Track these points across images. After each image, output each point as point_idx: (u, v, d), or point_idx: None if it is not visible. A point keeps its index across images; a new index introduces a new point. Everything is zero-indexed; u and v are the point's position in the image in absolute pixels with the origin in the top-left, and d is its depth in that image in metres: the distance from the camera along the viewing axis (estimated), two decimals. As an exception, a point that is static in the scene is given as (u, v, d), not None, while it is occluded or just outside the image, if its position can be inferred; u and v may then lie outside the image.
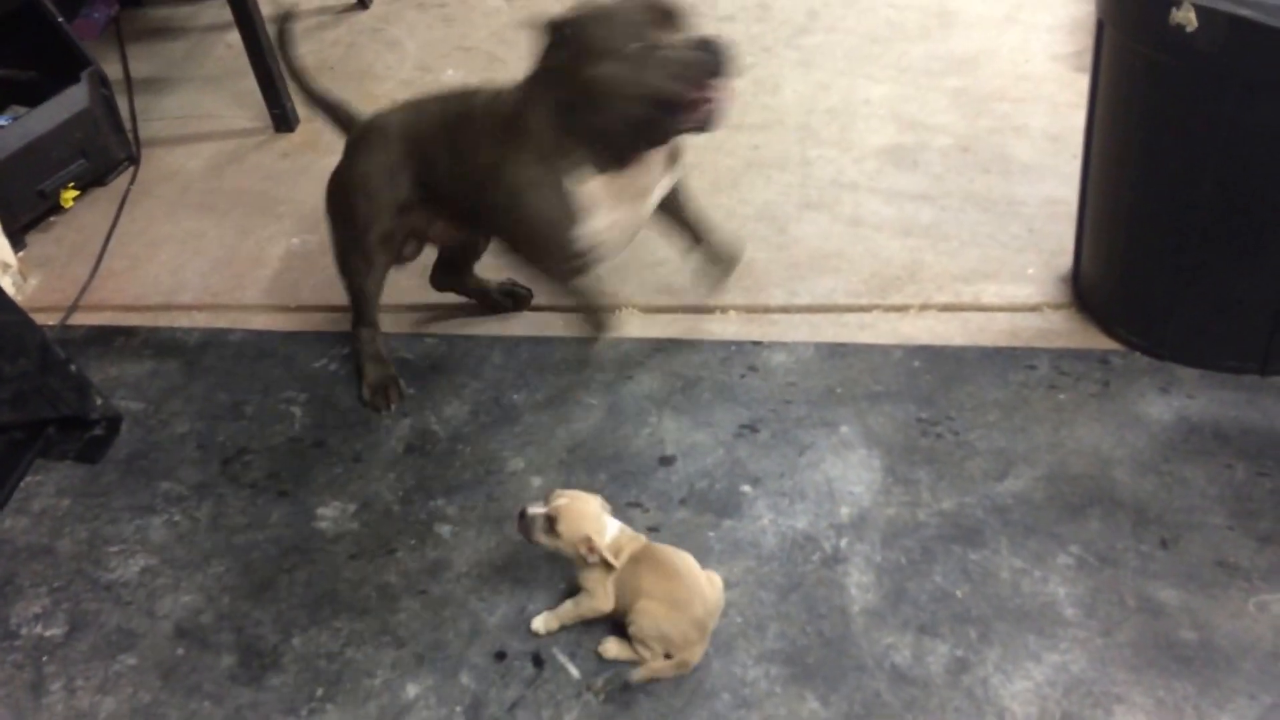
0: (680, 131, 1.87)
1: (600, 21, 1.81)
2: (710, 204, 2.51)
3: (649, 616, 1.64)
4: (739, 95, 2.76)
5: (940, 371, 2.10)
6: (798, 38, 3.02)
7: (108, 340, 2.34)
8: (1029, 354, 2.11)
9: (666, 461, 1.98)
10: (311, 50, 3.22)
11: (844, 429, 2.01)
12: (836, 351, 2.16)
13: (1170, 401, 1.99)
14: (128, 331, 2.36)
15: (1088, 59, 2.08)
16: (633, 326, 2.25)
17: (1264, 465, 1.87)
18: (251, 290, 2.45)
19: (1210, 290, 1.99)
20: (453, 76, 3.05)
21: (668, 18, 1.82)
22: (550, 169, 1.89)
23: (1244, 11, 1.64)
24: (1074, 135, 2.30)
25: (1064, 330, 2.16)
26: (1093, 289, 2.18)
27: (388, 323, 2.33)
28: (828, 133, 2.69)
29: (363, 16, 3.36)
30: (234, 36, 2.90)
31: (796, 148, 2.66)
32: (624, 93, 1.81)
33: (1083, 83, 2.12)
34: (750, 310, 2.27)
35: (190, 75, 3.19)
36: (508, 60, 3.11)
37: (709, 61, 1.78)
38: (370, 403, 2.14)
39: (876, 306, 2.24)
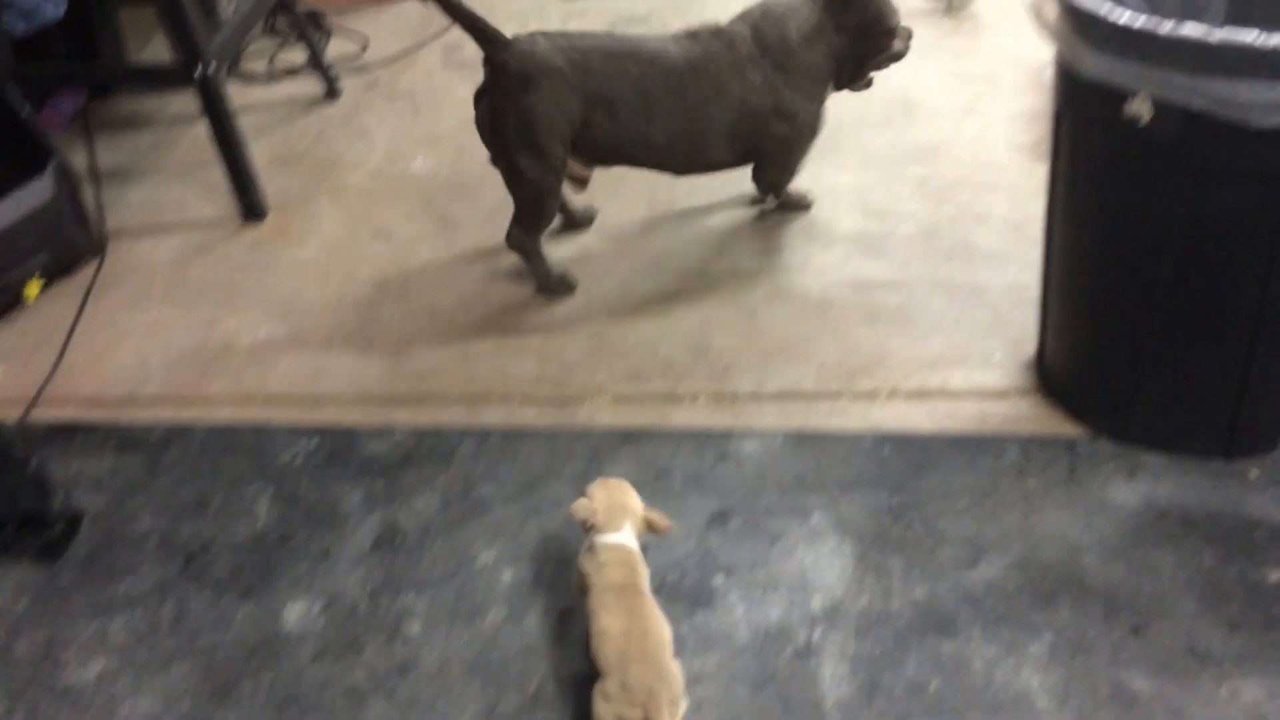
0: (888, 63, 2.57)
1: None
2: (678, 293, 2.54)
3: (606, 637, 1.64)
4: (707, 185, 2.80)
5: (910, 458, 2.10)
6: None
7: (69, 435, 2.31)
8: (997, 440, 2.12)
9: (638, 553, 1.96)
10: (280, 141, 3.24)
11: (816, 517, 2.00)
12: (807, 439, 2.16)
13: (1137, 487, 2.00)
14: (89, 426, 2.33)
15: (1046, 148, 2.12)
16: (603, 415, 2.25)
17: (1230, 551, 1.88)
18: (218, 382, 2.43)
19: (1172, 376, 2.02)
20: (422, 164, 3.08)
21: None
22: (821, 90, 2.51)
23: (1197, 104, 1.68)
24: (1034, 223, 2.34)
25: (1030, 416, 2.17)
26: (1057, 375, 2.20)
27: (355, 413, 2.32)
28: (794, 221, 2.72)
29: (332, 107, 3.39)
30: (202, 127, 2.91)
31: (762, 238, 2.69)
32: (892, 23, 2.47)
33: (1042, 171, 2.16)
34: (720, 398, 2.27)
35: (158, 166, 3.19)
36: (477, 150, 3.13)
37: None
38: (555, 290, 2.55)
39: (845, 393, 2.25)
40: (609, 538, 1.76)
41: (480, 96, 2.42)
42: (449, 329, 2.52)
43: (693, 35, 2.43)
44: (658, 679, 1.61)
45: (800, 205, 2.73)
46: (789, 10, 2.42)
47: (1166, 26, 1.68)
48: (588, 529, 1.79)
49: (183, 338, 2.56)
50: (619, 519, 1.77)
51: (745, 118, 2.42)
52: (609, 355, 2.40)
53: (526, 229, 2.50)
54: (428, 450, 2.21)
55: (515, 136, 2.37)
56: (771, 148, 2.51)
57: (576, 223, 2.77)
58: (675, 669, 1.66)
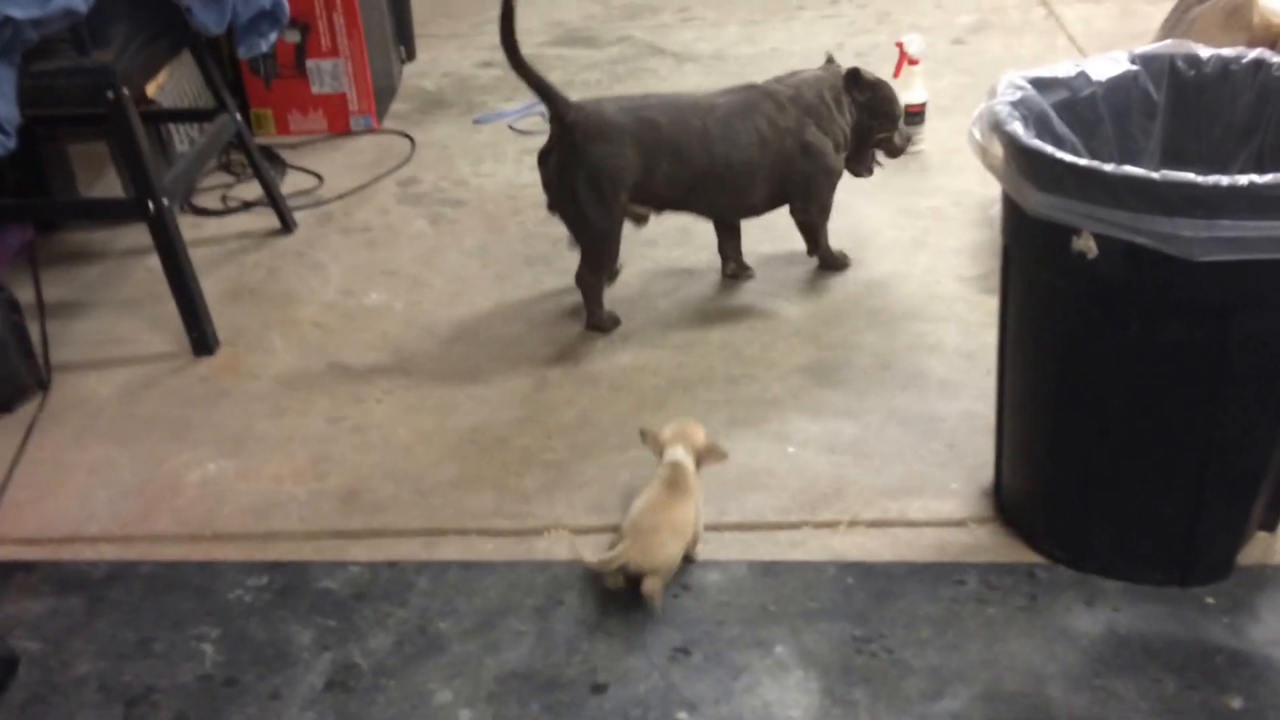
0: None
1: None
2: (637, 423, 2.53)
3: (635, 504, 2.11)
4: (665, 317, 2.84)
5: (872, 588, 2.09)
6: (719, 261, 3.12)
7: (6, 576, 2.23)
8: (957, 569, 2.12)
9: (599, 690, 1.91)
10: (232, 275, 3.24)
11: (779, 649, 1.97)
12: (769, 569, 2.14)
13: (1097, 615, 2.01)
14: (28, 566, 2.25)
15: (994, 281, 2.17)
16: (563, 548, 2.22)
17: (1191, 678, 1.88)
18: (164, 520, 2.37)
19: (1126, 505, 2.04)
20: (377, 298, 3.08)
21: None
22: (839, 142, 2.89)
23: (1140, 239, 1.73)
24: (986, 352, 2.39)
25: (990, 544, 2.17)
26: (1015, 503, 2.22)
27: (307, 549, 2.27)
28: (751, 351, 2.75)
29: (286, 240, 3.40)
30: (153, 260, 2.91)
31: (721, 366, 2.71)
32: (896, 111, 2.95)
33: (991, 303, 2.21)
34: (680, 529, 2.25)
35: (106, 299, 3.17)
36: (432, 283, 3.15)
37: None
38: (605, 327, 2.85)
39: (806, 523, 2.25)
40: (668, 455, 2.18)
41: (546, 156, 2.76)
42: (405, 462, 2.49)
43: (736, 90, 2.86)
44: (644, 540, 2.04)
45: (840, 265, 3.04)
46: (819, 78, 2.88)
47: (1109, 166, 1.75)
48: (655, 451, 2.22)
49: (128, 474, 2.50)
50: (676, 443, 2.20)
51: (780, 159, 2.80)
52: (568, 487, 2.38)
53: (592, 270, 2.83)
54: (383, 586, 2.16)
55: (584, 188, 2.69)
56: (799, 184, 2.87)
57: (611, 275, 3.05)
58: (670, 551, 2.05)
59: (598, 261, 2.82)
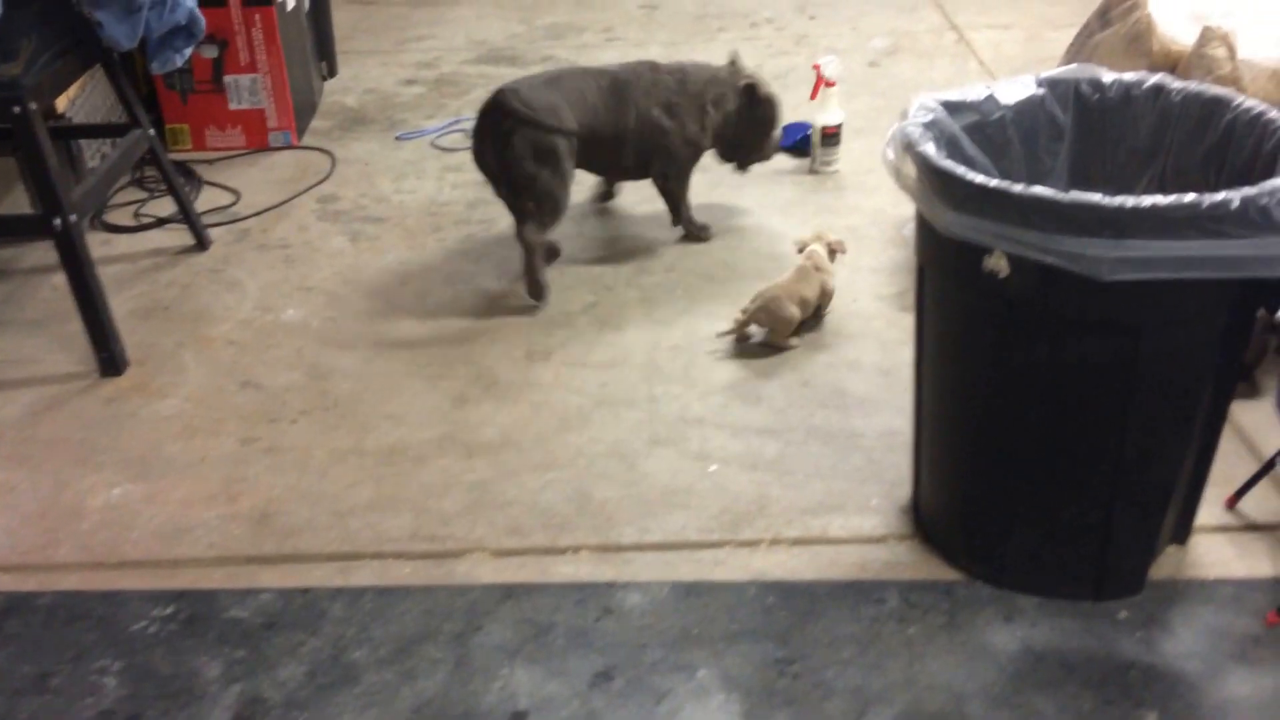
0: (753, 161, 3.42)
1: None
2: (560, 443, 2.52)
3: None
4: (584, 335, 2.83)
5: (794, 608, 2.08)
6: (638, 277, 3.12)
7: (-101, 607, 2.14)
8: (878, 586, 2.13)
9: (519, 718, 1.88)
10: (144, 293, 3.16)
11: (701, 673, 1.96)
12: (691, 590, 2.13)
13: (1015, 631, 2.02)
14: (-79, 597, 2.16)
15: (910, 299, 2.19)
16: (482, 571, 2.18)
17: (1108, 693, 1.90)
18: (66, 547, 2.29)
19: (1040, 520, 2.06)
20: (294, 315, 3.02)
21: None
22: (702, 134, 3.20)
23: (1049, 259, 1.76)
24: (904, 369, 2.41)
25: (909, 561, 2.18)
26: (933, 519, 2.23)
27: (216, 576, 2.20)
28: (672, 369, 2.75)
29: (202, 257, 3.32)
30: (61, 278, 2.82)
31: (643, 385, 2.70)
32: (773, 126, 3.30)
33: (908, 321, 2.23)
34: (603, 549, 2.23)
35: (11, 318, 3.07)
36: (351, 300, 3.10)
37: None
38: (538, 291, 3.00)
39: (728, 542, 2.24)
40: (808, 249, 2.88)
41: (488, 144, 3.00)
42: (321, 484, 2.43)
43: (631, 63, 3.18)
44: (768, 303, 2.76)
45: (700, 235, 3.28)
46: (715, 75, 3.19)
47: (1019, 187, 1.77)
48: (800, 249, 2.91)
49: (29, 500, 2.42)
50: (814, 242, 2.90)
51: (647, 126, 3.09)
52: (488, 508, 2.35)
53: (544, 227, 3.01)
54: (295, 613, 2.11)
55: (535, 159, 2.93)
56: (661, 152, 3.14)
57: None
58: (789, 312, 2.76)
59: (551, 220, 3.03)
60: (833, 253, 2.93)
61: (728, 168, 3.55)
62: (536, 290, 3.01)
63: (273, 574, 2.21)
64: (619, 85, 3.07)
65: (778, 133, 3.34)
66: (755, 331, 2.81)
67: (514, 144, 2.93)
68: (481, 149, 3.02)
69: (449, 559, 2.23)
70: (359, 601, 2.13)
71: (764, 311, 2.75)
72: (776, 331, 2.76)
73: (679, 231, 3.31)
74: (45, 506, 2.40)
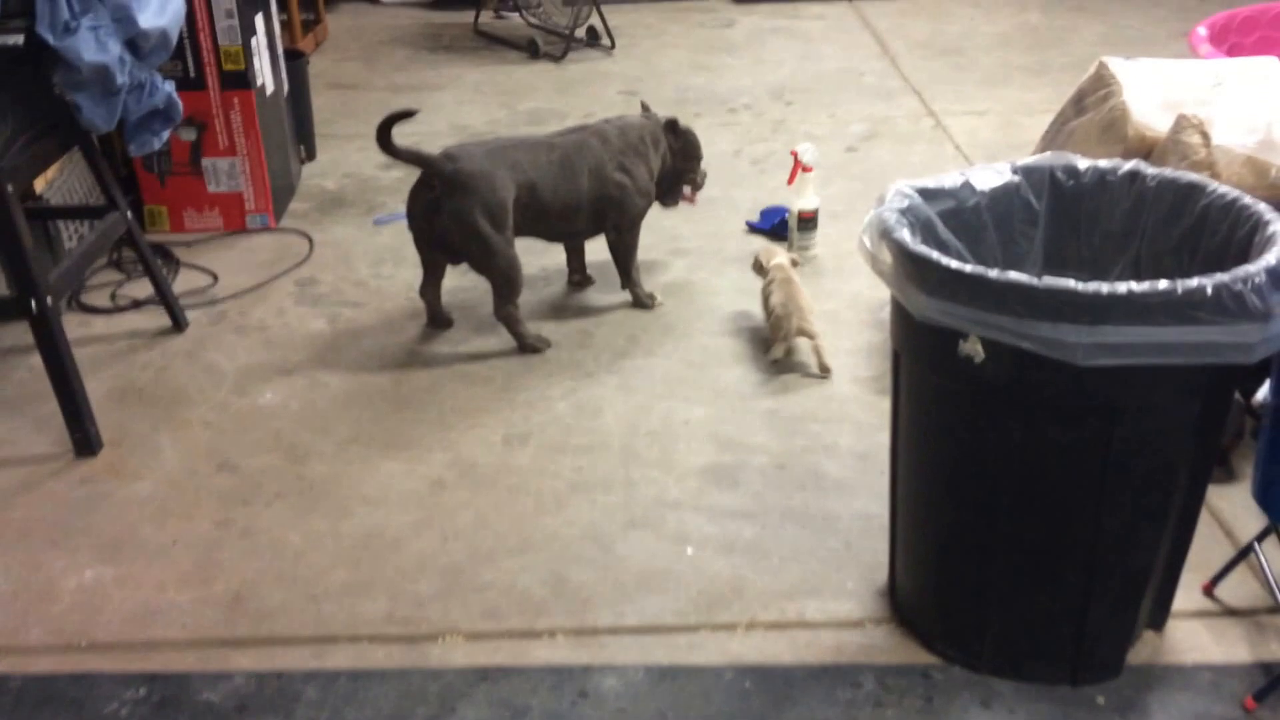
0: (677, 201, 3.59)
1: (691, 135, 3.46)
2: (535, 526, 2.51)
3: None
4: (562, 419, 2.83)
5: (771, 692, 2.07)
6: (618, 362, 3.13)
7: None
8: (854, 670, 2.12)
9: (494, 805, 1.85)
10: (120, 374, 3.15)
11: (679, 759, 1.94)
12: (667, 674, 2.11)
13: (993, 716, 2.02)
14: (-115, 683, 2.12)
15: (886, 383, 2.22)
16: (457, 655, 2.16)
17: (1090, 779, 1.89)
18: (37, 630, 2.25)
19: (1016, 605, 2.06)
20: (272, 398, 3.02)
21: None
22: (649, 181, 3.35)
23: (1025, 344, 1.78)
24: (880, 453, 2.42)
25: (886, 646, 2.18)
26: (909, 603, 2.23)
27: (189, 659, 2.17)
28: (650, 454, 2.75)
29: (178, 340, 3.32)
30: (36, 359, 2.81)
31: (620, 469, 2.70)
32: (701, 154, 3.50)
33: (885, 404, 2.25)
34: (579, 633, 2.22)
35: (-15, 398, 3.05)
36: (329, 383, 3.10)
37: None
38: (536, 348, 3.17)
39: (705, 626, 2.23)
40: (774, 262, 3.21)
41: (420, 204, 3.07)
42: (295, 567, 2.41)
43: (572, 130, 3.32)
44: (803, 312, 3.05)
45: (645, 303, 3.39)
46: (641, 124, 3.36)
47: (994, 272, 1.80)
48: (764, 265, 3.25)
49: (0, 582, 2.38)
50: (776, 255, 3.24)
51: (602, 185, 3.21)
52: (464, 591, 2.33)
53: (508, 299, 3.12)
54: (268, 697, 2.08)
55: (487, 227, 3.00)
56: (615, 207, 3.25)
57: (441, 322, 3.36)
58: (807, 305, 3.09)
59: (511, 289, 3.11)
60: (794, 264, 3.23)
61: (710, 252, 3.60)
62: (532, 348, 3.16)
63: (246, 657, 2.18)
64: (568, 158, 3.17)
65: (704, 163, 3.54)
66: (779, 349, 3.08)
67: (445, 210, 3.01)
68: (413, 210, 3.11)
69: (424, 642, 2.20)
70: (333, 685, 2.10)
71: (803, 319, 3.04)
72: (816, 335, 3.06)
73: (660, 315, 3.33)
74: (17, 588, 2.36)
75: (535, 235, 3.27)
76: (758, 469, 2.69)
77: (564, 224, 3.25)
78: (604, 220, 3.29)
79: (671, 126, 3.39)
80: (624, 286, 3.40)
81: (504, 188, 3.03)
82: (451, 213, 3.00)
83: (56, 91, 2.80)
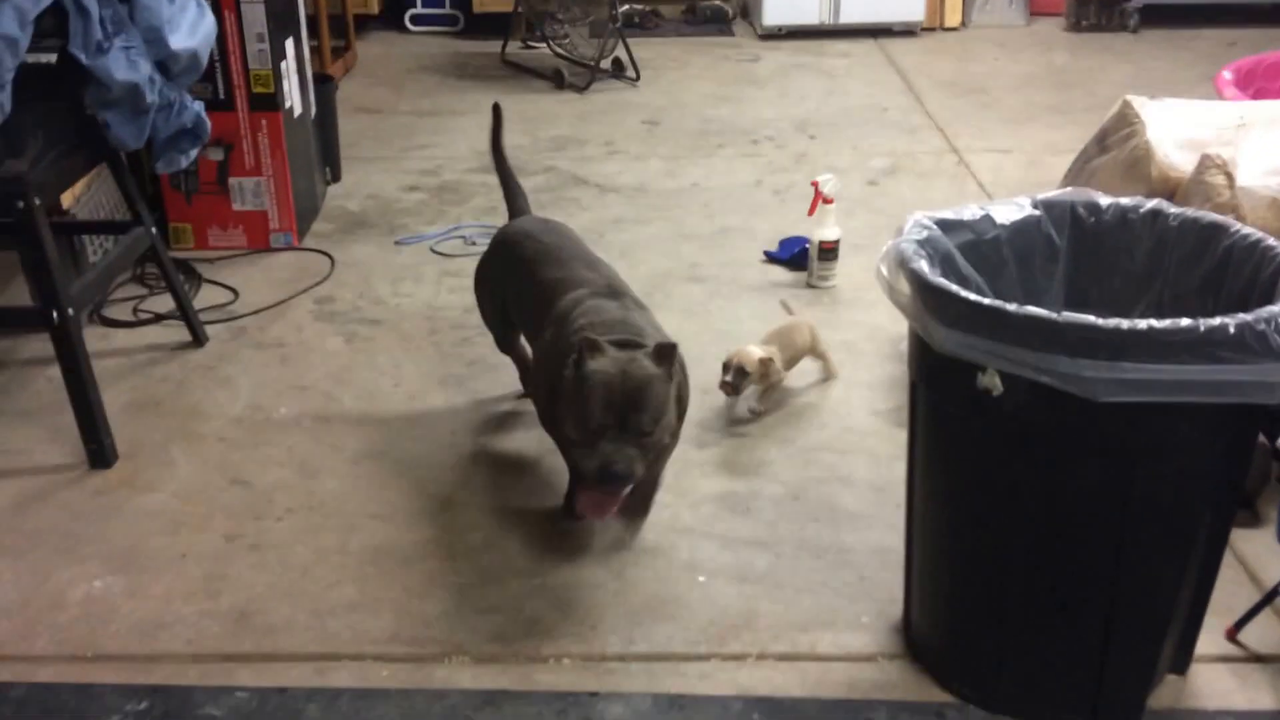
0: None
1: (606, 382, 2.20)
2: (546, 549, 2.49)
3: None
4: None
5: (780, 726, 2.04)
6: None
7: None
8: (866, 706, 2.08)
9: (494, 831, 1.83)
10: (138, 387, 3.16)
11: (684, 790, 1.91)
12: (675, 703, 2.08)
13: (1008, 756, 1.98)
14: (-111, 688, 2.11)
15: (904, 415, 2.19)
16: (462, 677, 2.14)
17: (1105, 823, 1.85)
18: (43, 639, 2.24)
19: (1034, 645, 2.03)
20: (286, 413, 3.01)
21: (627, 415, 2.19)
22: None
23: (1044, 379, 1.76)
24: (896, 486, 2.39)
25: (899, 682, 2.14)
26: (924, 639, 2.20)
27: (192, 673, 2.16)
28: (664, 479, 2.73)
29: (197, 354, 3.33)
30: (55, 370, 2.82)
31: (631, 493, 2.68)
32: (569, 429, 2.27)
33: (901, 437, 2.22)
34: (586, 659, 2.19)
35: (3, 409, 3.06)
36: (343, 401, 3.10)
37: (608, 482, 2.19)
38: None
39: (715, 655, 2.20)
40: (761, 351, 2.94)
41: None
42: (302, 583, 2.40)
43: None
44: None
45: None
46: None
47: (1013, 306, 1.78)
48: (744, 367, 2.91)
49: (8, 590, 2.38)
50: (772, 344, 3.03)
51: None
52: (471, 613, 2.31)
53: None
54: (270, 713, 2.06)
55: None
56: None
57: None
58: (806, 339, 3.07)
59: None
60: (767, 363, 2.93)
61: (727, 280, 3.58)
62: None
63: (249, 672, 2.16)
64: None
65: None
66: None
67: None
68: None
69: (429, 663, 2.18)
70: (335, 703, 2.08)
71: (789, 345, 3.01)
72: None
73: (676, 340, 3.27)
74: (26, 597, 2.36)
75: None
76: (771, 498, 2.66)
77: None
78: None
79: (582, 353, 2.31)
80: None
81: (491, 268, 2.88)
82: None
83: (87, 109, 2.83)
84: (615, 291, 2.55)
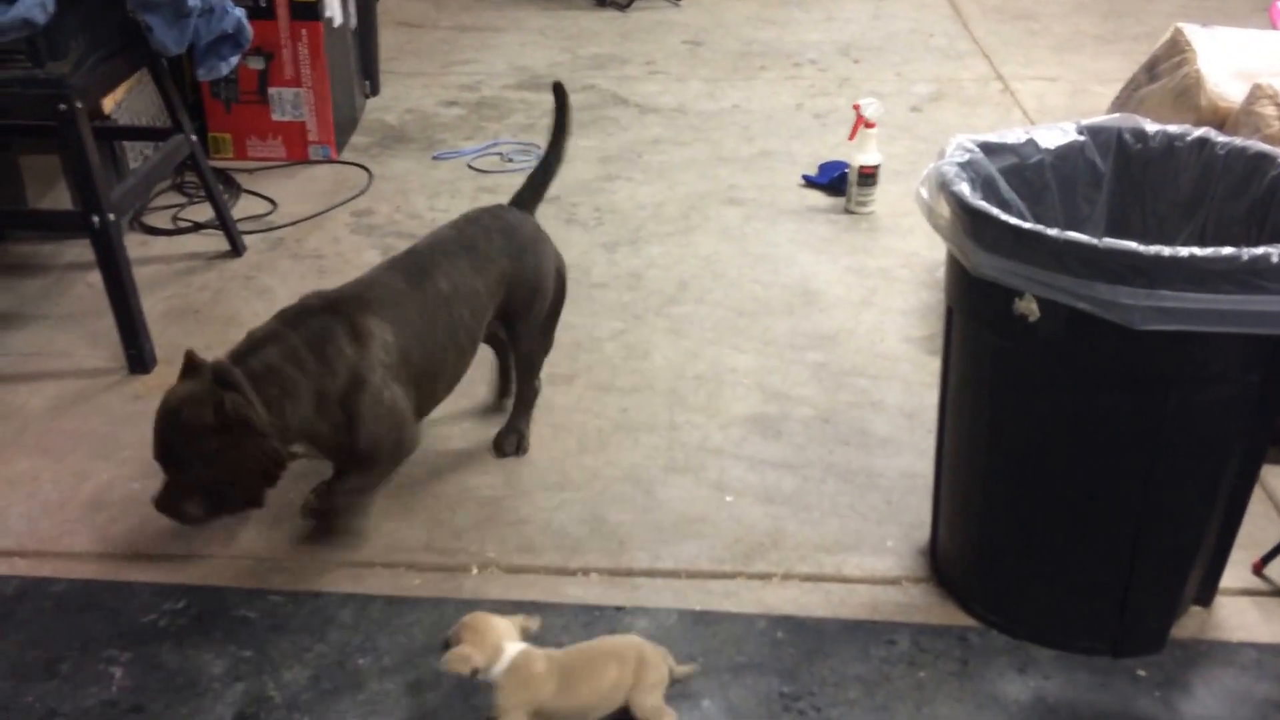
0: None
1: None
2: (577, 464, 2.51)
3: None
4: (610, 360, 2.81)
5: (803, 644, 2.06)
6: (668, 307, 3.12)
7: (-87, 587, 2.15)
8: (890, 628, 2.10)
9: (519, 735, 1.86)
10: (177, 294, 3.18)
11: (706, 703, 1.94)
12: (700, 619, 2.11)
13: (1028, 682, 1.99)
14: (-63, 577, 2.17)
15: (939, 343, 2.18)
16: (492, 587, 2.17)
17: (1109, 750, 1.86)
18: (83, 537, 2.30)
19: (1059, 572, 2.03)
20: (321, 327, 3.03)
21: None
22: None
23: (1081, 305, 1.74)
24: (928, 412, 2.39)
25: (923, 605, 2.16)
26: (950, 564, 2.21)
27: (228, 574, 2.20)
28: (695, 399, 2.74)
29: (235, 263, 3.35)
30: (97, 276, 2.85)
31: (665, 412, 2.69)
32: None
33: (934, 364, 2.21)
34: (614, 573, 2.22)
35: (45, 313, 3.10)
36: (378, 314, 3.10)
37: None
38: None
39: (740, 574, 2.22)
40: (505, 658, 1.83)
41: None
42: (336, 492, 2.43)
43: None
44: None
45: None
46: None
47: (1053, 231, 1.76)
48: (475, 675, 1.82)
49: (50, 489, 2.43)
50: (490, 640, 1.84)
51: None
52: (501, 525, 2.34)
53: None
54: (304, 617, 2.11)
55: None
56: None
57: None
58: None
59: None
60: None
61: (765, 203, 3.55)
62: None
63: (284, 577, 2.20)
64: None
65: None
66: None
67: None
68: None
69: (459, 573, 2.22)
70: (368, 609, 2.12)
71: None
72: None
73: (712, 263, 3.28)
74: (65, 496, 2.41)
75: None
76: (802, 421, 2.67)
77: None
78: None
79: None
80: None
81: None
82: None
83: (129, 12, 2.82)
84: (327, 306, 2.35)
